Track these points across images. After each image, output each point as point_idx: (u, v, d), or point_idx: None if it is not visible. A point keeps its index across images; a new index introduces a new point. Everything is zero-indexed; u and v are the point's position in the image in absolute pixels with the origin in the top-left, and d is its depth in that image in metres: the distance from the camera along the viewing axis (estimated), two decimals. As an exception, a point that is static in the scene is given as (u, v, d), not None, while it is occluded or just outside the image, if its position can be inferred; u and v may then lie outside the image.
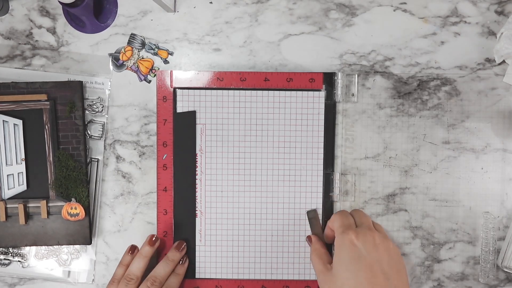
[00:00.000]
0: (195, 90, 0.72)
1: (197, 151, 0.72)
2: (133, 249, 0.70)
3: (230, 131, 0.72)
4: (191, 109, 0.72)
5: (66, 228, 0.72)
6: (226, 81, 0.72)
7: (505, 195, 0.74)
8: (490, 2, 0.73)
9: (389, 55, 0.73)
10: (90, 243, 0.73)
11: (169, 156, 0.72)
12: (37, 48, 0.73)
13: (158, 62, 0.73)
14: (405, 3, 0.73)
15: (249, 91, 0.72)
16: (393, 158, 0.74)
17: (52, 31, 0.73)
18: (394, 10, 0.73)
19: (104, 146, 0.74)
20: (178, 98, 0.72)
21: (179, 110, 0.72)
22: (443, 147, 0.74)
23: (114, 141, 0.74)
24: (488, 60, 0.73)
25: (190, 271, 0.73)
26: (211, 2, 0.73)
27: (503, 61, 0.73)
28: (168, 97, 0.72)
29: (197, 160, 0.72)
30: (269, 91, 0.72)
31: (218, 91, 0.72)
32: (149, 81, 0.73)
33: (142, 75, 0.73)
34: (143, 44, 0.73)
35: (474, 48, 0.73)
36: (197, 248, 0.73)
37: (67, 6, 0.66)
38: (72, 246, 0.74)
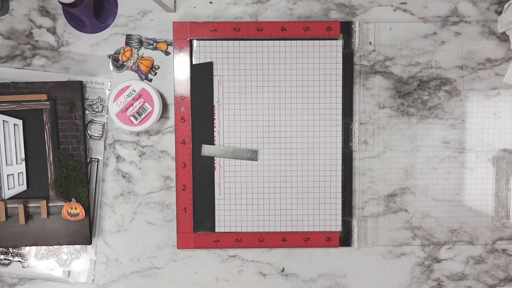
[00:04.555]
0: (212, 41, 0.72)
1: (215, 103, 0.72)
2: None
3: (247, 82, 0.72)
4: (207, 60, 0.72)
5: (66, 228, 0.72)
6: (243, 31, 0.72)
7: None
8: (490, 2, 0.73)
9: (389, 55, 0.73)
10: (90, 243, 0.73)
11: (186, 108, 0.72)
12: (37, 48, 0.73)
13: (158, 57, 0.73)
14: (405, 3, 0.73)
15: (266, 41, 0.72)
16: (393, 157, 0.74)
17: (52, 31, 0.73)
18: (394, 10, 0.73)
19: (104, 146, 0.74)
20: (195, 49, 0.72)
21: (195, 61, 0.72)
22: (443, 147, 0.74)
23: (114, 141, 0.74)
24: (488, 60, 0.73)
25: (210, 225, 0.73)
26: (211, 2, 0.73)
27: (505, 41, 0.73)
28: (184, 48, 0.72)
29: (214, 112, 0.72)
30: (286, 41, 0.72)
31: (235, 41, 0.72)
32: (150, 80, 0.73)
33: (143, 74, 0.73)
34: (140, 42, 0.73)
35: (474, 48, 0.73)
36: (216, 201, 0.73)
37: (67, 6, 0.66)
38: (72, 246, 0.74)
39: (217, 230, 0.73)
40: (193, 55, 0.72)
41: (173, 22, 0.72)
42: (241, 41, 0.72)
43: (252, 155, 0.71)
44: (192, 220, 0.73)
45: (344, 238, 0.74)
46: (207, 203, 0.73)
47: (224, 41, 0.72)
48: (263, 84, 0.72)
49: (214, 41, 0.72)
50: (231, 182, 0.73)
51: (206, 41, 0.72)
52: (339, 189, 0.73)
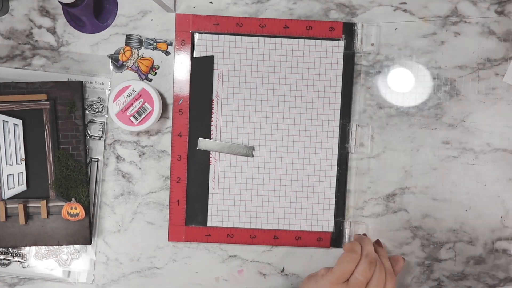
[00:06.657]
0: (214, 35, 0.72)
1: (214, 97, 0.72)
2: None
3: (247, 78, 0.72)
4: (208, 54, 0.72)
5: (66, 228, 0.72)
6: (246, 27, 0.72)
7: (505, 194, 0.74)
8: (490, 2, 0.73)
9: (389, 55, 0.73)
10: (90, 243, 0.73)
11: (185, 101, 0.72)
12: (37, 48, 0.73)
13: (158, 57, 0.73)
14: (405, 3, 0.73)
15: (268, 38, 0.72)
16: (393, 157, 0.74)
17: (52, 31, 0.73)
18: (394, 10, 0.73)
19: (104, 146, 0.74)
20: (196, 42, 0.72)
21: (196, 54, 0.72)
22: (443, 147, 0.74)
23: (114, 141, 0.74)
24: (488, 60, 0.73)
25: (202, 218, 0.73)
26: (211, 2, 0.73)
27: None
28: (186, 41, 0.72)
29: (213, 106, 0.72)
30: (288, 39, 0.72)
31: (237, 36, 0.72)
32: (150, 80, 0.73)
33: (143, 74, 0.73)
34: (140, 42, 0.73)
35: (474, 48, 0.73)
36: (210, 195, 0.73)
37: (67, 6, 0.66)
38: (72, 246, 0.74)
39: (209, 224, 0.73)
40: (194, 48, 0.72)
41: (176, 13, 0.72)
42: (243, 37, 0.72)
43: (248, 151, 0.72)
44: (185, 213, 0.73)
45: (336, 239, 0.74)
46: (201, 197, 0.73)
47: (226, 36, 0.72)
48: (262, 80, 0.72)
49: (216, 35, 0.72)
50: (226, 177, 0.73)
51: (208, 35, 0.72)
52: (333, 190, 0.73)
